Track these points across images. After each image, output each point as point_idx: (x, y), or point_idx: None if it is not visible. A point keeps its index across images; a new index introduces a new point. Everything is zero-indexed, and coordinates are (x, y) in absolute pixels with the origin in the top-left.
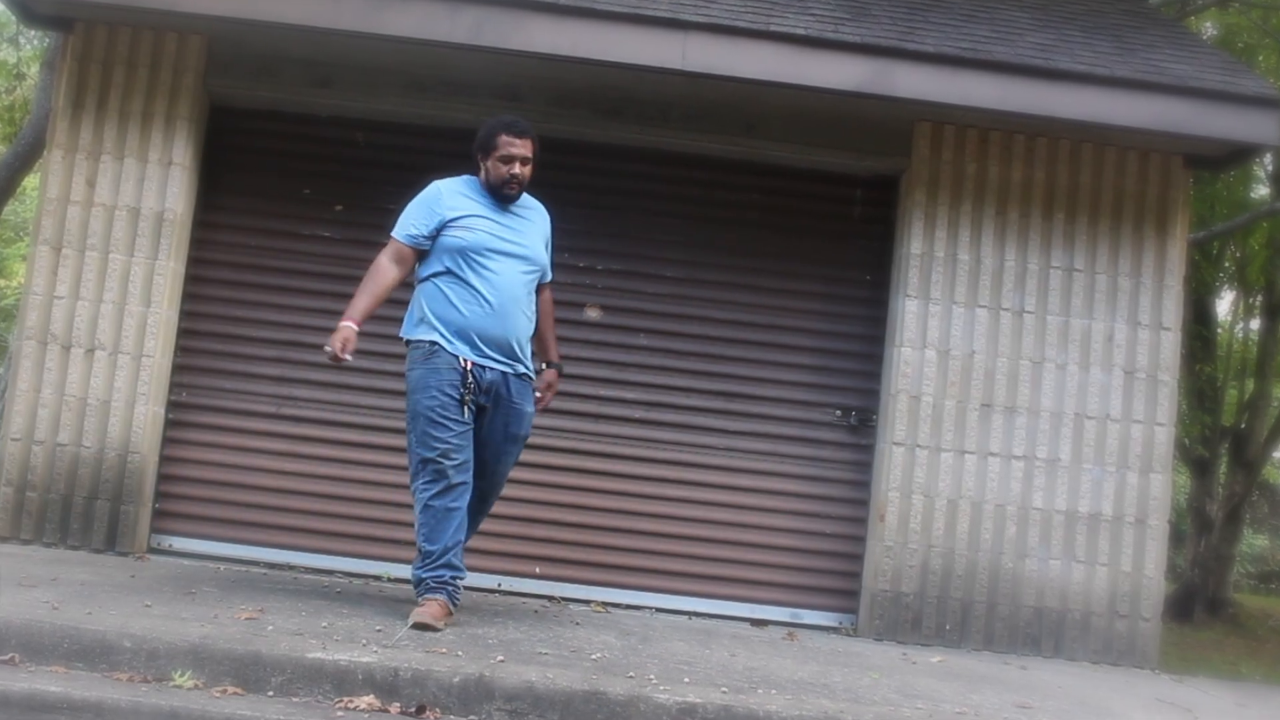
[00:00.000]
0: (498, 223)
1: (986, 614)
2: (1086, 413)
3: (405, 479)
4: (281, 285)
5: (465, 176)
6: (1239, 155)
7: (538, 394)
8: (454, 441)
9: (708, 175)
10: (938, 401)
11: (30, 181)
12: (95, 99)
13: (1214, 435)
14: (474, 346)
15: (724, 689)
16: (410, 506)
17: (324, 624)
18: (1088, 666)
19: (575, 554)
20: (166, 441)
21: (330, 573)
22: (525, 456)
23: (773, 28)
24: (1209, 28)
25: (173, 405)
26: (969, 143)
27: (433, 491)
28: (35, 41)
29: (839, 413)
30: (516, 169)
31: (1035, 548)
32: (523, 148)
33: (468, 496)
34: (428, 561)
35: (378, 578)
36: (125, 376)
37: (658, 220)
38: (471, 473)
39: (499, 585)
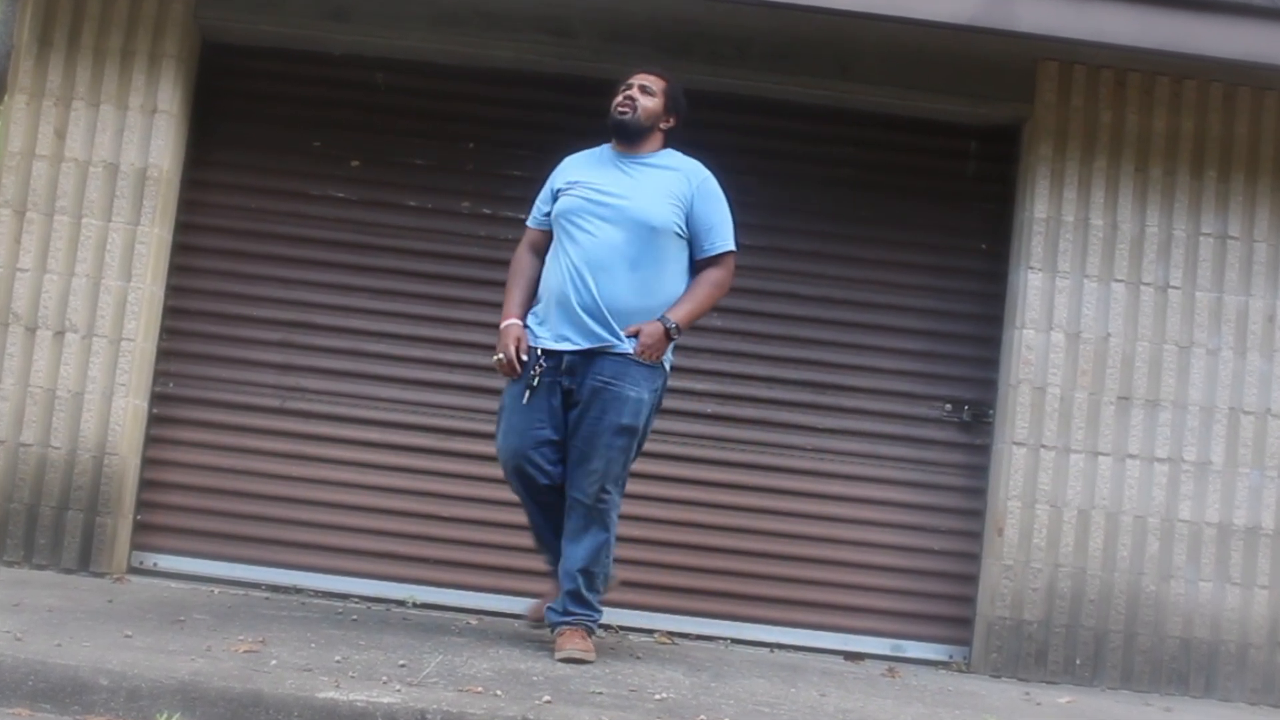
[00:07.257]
0: (600, 185)
1: (1124, 646)
2: (1243, 407)
3: (431, 485)
4: (287, 255)
5: (602, 146)
6: None
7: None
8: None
9: (793, 125)
10: (1066, 393)
11: None
12: (66, 34)
13: None
14: (552, 325)
15: None
16: (439, 518)
17: (337, 658)
18: (1244, 708)
19: (635, 574)
20: (150, 441)
21: (344, 597)
22: None
23: None
24: None
25: (157, 398)
26: (1103, 86)
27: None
28: None
29: (949, 407)
30: (632, 92)
31: (1182, 567)
32: (638, 78)
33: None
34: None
35: (401, 603)
36: (101, 364)
37: (733, 178)
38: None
39: None
